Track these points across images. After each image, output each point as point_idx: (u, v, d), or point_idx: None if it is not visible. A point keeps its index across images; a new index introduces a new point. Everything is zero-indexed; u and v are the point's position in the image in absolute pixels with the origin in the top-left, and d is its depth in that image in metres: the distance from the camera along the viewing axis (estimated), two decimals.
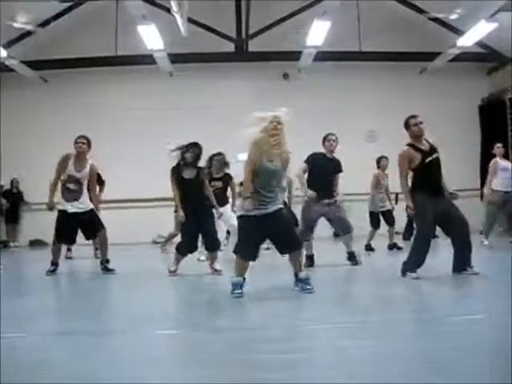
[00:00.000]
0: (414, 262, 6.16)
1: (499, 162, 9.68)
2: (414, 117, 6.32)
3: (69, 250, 10.20)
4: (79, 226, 7.64)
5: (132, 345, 3.65)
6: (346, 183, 11.29)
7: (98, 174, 9.84)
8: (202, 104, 14.59)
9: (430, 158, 6.16)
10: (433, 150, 6.24)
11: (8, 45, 13.52)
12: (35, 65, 14.40)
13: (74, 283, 7.46)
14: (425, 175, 6.17)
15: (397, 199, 12.81)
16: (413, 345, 3.49)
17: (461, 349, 3.27)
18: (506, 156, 10.59)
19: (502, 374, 2.71)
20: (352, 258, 7.82)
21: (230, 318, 4.52)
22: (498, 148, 9.93)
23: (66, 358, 3.33)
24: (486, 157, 12.38)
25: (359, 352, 3.32)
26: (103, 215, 14.32)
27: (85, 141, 7.71)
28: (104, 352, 3.49)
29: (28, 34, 13.79)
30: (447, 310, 4.65)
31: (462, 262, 6.16)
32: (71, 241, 7.96)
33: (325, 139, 8.01)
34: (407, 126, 6.32)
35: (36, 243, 14.48)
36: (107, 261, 7.70)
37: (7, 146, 14.36)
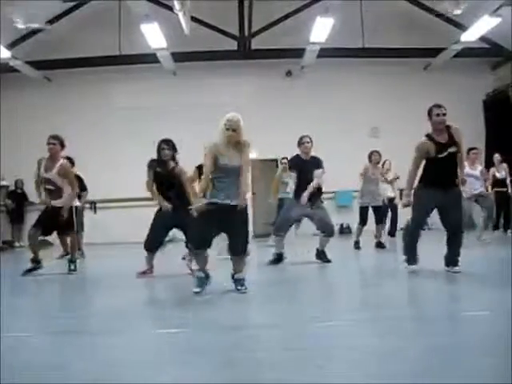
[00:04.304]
0: (409, 257, 6.23)
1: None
2: (438, 106, 6.23)
3: (79, 249, 10.22)
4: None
5: (133, 345, 3.65)
6: (348, 179, 11.37)
7: (82, 181, 9.75)
8: (205, 102, 14.59)
9: (444, 154, 6.04)
10: (450, 143, 6.11)
11: (12, 45, 13.56)
12: (39, 64, 14.44)
13: (73, 282, 7.46)
14: (435, 169, 6.09)
15: (401, 196, 12.81)
16: (415, 343, 3.48)
17: (463, 347, 3.27)
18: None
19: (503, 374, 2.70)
20: (322, 256, 7.86)
21: (232, 317, 4.50)
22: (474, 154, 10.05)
23: (66, 357, 3.32)
24: (491, 152, 12.37)
25: (363, 350, 3.31)
26: (109, 214, 14.48)
27: (56, 141, 7.62)
28: (105, 352, 3.48)
29: (32, 34, 13.83)
30: (450, 307, 4.65)
31: (448, 262, 6.21)
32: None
33: (299, 142, 7.95)
34: (430, 114, 6.22)
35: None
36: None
37: (11, 146, 14.40)
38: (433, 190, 6.05)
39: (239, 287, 5.48)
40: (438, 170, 6.10)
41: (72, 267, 7.73)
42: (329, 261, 7.81)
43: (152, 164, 7.17)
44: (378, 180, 10.05)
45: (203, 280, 5.50)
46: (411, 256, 6.29)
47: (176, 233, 7.68)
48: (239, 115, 5.47)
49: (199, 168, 8.32)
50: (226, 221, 5.40)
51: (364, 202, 10.01)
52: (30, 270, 7.51)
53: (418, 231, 6.30)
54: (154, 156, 7.27)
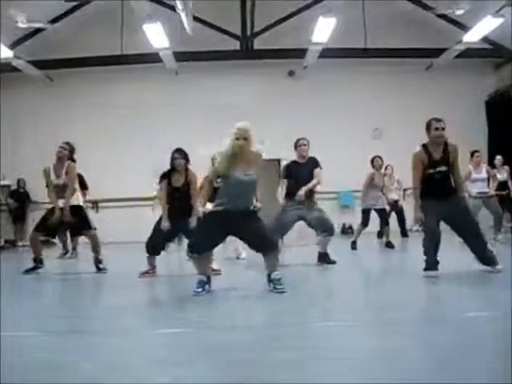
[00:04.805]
0: (427, 262, 6.11)
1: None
2: (437, 120, 6.05)
3: (74, 248, 10.28)
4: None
5: (135, 345, 3.65)
6: (351, 180, 11.36)
7: (82, 179, 9.83)
8: (207, 102, 14.62)
9: (431, 171, 6.00)
10: (441, 162, 6.02)
11: (14, 45, 13.58)
12: (41, 64, 14.46)
13: (74, 283, 7.47)
14: (427, 183, 6.04)
15: (404, 195, 12.86)
16: (418, 342, 3.48)
17: (463, 347, 3.26)
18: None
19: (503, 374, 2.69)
20: (326, 258, 7.66)
21: (233, 317, 4.50)
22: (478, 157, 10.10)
23: (68, 357, 3.31)
24: (493, 153, 12.34)
25: (366, 350, 3.31)
26: (112, 213, 14.47)
27: (66, 146, 7.69)
28: (106, 352, 3.48)
29: (34, 33, 13.86)
30: (450, 307, 4.65)
31: (485, 263, 6.11)
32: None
33: (296, 145, 7.80)
34: (428, 127, 6.07)
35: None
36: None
37: (13, 146, 14.43)
38: (433, 200, 5.99)
39: (277, 286, 5.34)
40: (430, 184, 6.03)
41: (101, 266, 7.67)
42: (333, 262, 7.62)
43: (165, 180, 7.13)
44: (380, 186, 10.14)
45: (204, 282, 5.45)
46: (429, 261, 6.07)
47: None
48: (249, 124, 5.36)
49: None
50: (236, 225, 5.33)
51: (367, 205, 10.08)
52: (31, 269, 7.53)
53: (435, 234, 6.06)
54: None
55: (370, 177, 10.03)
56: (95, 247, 7.76)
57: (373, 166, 10.14)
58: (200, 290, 5.37)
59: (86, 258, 10.02)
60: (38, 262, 7.62)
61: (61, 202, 7.55)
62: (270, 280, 5.46)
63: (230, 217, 5.30)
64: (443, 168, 6.02)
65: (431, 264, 6.06)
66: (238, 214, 5.30)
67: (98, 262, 7.70)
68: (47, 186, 7.73)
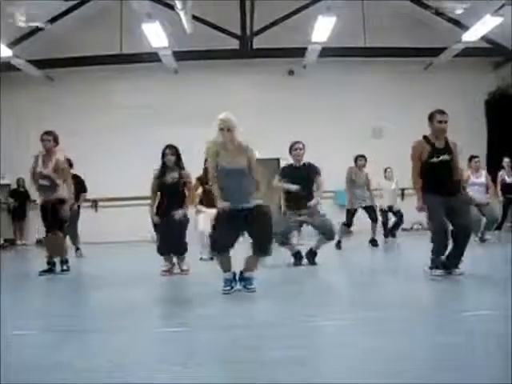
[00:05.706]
0: (434, 260, 6.05)
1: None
2: (441, 112, 5.97)
3: (78, 248, 10.28)
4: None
5: (135, 344, 3.65)
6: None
7: (81, 181, 9.78)
8: (207, 101, 14.59)
9: (435, 159, 5.91)
10: (444, 151, 5.95)
11: (13, 44, 13.57)
12: (41, 63, 14.46)
13: (74, 281, 7.47)
14: (430, 175, 5.95)
15: (403, 195, 12.87)
16: (417, 342, 3.48)
17: (462, 347, 3.27)
18: None
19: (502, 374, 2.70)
20: (311, 257, 7.76)
21: (232, 317, 4.51)
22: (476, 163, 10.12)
23: (68, 356, 3.32)
24: (493, 152, 12.34)
25: (365, 349, 3.31)
26: (112, 212, 14.49)
27: (50, 137, 7.49)
28: (107, 351, 3.47)
29: (33, 32, 13.84)
30: (450, 306, 4.65)
31: (450, 263, 6.03)
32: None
33: (291, 149, 7.83)
34: (431, 119, 5.98)
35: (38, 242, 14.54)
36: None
37: (13, 145, 14.41)
38: (438, 195, 5.90)
39: (249, 286, 5.39)
40: (432, 176, 5.93)
41: (65, 267, 7.65)
42: (314, 264, 7.69)
43: (157, 174, 7.12)
44: (364, 184, 10.18)
45: (231, 280, 5.44)
46: (436, 261, 6.01)
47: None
48: (230, 113, 5.33)
49: (199, 179, 8.32)
50: (246, 221, 5.29)
51: (352, 206, 10.11)
52: (45, 271, 7.44)
53: (443, 236, 5.95)
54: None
55: (349, 172, 10.09)
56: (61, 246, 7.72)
57: (356, 165, 10.21)
58: (228, 288, 5.36)
59: (88, 258, 10.09)
60: (52, 264, 7.53)
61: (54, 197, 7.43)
62: (241, 278, 5.48)
63: (236, 215, 5.26)
64: (447, 157, 5.94)
65: (437, 264, 5.98)
66: (243, 211, 5.27)
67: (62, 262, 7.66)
68: (33, 171, 7.53)
